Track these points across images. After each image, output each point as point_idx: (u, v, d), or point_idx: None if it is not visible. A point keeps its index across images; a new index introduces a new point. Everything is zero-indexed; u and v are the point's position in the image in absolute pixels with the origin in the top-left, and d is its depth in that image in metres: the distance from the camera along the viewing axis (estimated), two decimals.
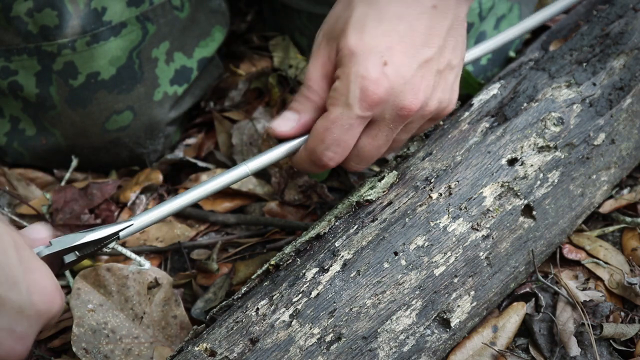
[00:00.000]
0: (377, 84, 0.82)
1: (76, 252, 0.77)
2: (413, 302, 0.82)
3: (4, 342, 0.66)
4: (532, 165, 0.92)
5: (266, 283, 0.84)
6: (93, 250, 0.79)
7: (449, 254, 0.85)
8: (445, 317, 0.84)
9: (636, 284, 0.96)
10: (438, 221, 0.86)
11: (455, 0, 0.87)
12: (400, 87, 0.83)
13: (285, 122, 0.89)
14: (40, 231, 0.75)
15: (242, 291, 0.84)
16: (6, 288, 0.64)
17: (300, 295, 0.80)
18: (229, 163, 1.24)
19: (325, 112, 0.86)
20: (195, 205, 1.18)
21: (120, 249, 1.00)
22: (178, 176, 1.24)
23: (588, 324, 0.91)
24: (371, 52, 0.83)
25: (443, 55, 0.87)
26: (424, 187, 0.88)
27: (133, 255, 1.00)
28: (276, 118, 0.90)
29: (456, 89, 0.90)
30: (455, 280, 0.85)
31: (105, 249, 0.81)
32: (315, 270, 0.82)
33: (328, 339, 0.78)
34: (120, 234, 0.80)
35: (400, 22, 0.84)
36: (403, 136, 0.91)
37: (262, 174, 1.21)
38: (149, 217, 0.82)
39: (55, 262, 0.76)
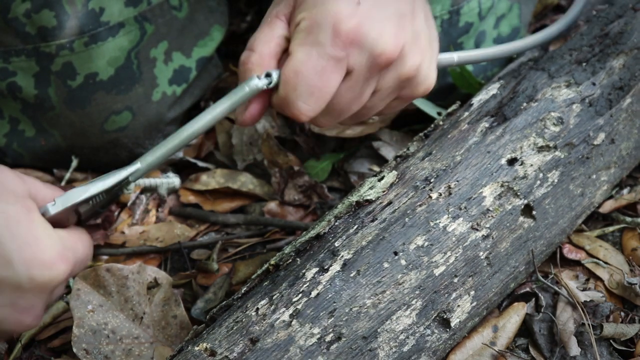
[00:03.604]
0: (350, 18, 0.75)
1: (90, 202, 0.76)
2: (413, 302, 0.82)
3: (9, 317, 0.68)
4: (531, 165, 0.92)
5: (266, 283, 0.84)
6: (109, 197, 0.77)
7: (448, 253, 0.85)
8: (445, 317, 0.84)
9: (636, 284, 0.96)
10: (438, 221, 0.86)
11: None
12: (377, 28, 0.77)
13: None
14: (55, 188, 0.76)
15: (242, 291, 0.84)
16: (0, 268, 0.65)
17: (300, 295, 0.80)
18: (229, 163, 1.24)
19: (290, 55, 0.78)
20: (195, 205, 1.18)
21: (141, 182, 0.86)
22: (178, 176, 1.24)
23: (588, 324, 0.91)
24: None
25: (415, 20, 0.81)
26: (424, 187, 0.88)
27: (158, 181, 0.87)
28: None
29: (434, 68, 0.84)
30: (455, 280, 0.85)
31: (125, 190, 0.79)
32: (315, 270, 0.82)
33: (328, 338, 0.78)
34: (130, 177, 0.78)
35: None
36: (375, 101, 0.83)
37: (262, 174, 1.21)
38: (154, 156, 0.79)
39: (69, 217, 0.76)
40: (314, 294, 0.80)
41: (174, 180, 0.87)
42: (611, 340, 0.92)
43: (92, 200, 0.77)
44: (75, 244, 0.74)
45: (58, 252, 0.69)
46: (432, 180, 0.89)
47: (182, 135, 0.79)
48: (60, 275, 0.69)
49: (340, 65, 0.77)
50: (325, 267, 0.82)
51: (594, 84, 0.99)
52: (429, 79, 0.84)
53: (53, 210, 0.74)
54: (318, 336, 0.78)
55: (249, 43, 0.81)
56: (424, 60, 0.82)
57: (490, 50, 1.01)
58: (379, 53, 0.77)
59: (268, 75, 0.78)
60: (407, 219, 0.85)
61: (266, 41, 0.80)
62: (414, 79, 0.82)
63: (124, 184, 0.78)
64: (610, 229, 1.05)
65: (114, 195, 0.79)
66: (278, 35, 0.80)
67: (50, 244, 0.69)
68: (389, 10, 0.78)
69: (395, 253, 0.83)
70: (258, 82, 0.78)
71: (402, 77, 0.81)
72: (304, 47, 0.76)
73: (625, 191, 1.08)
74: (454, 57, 0.94)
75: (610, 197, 1.07)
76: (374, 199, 0.88)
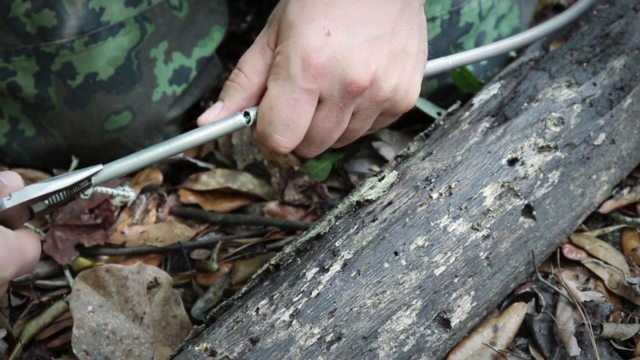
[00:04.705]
0: (319, 51, 0.76)
1: (46, 201, 0.73)
2: (413, 302, 0.82)
3: None
4: (532, 165, 0.92)
5: (266, 283, 0.84)
6: (66, 197, 0.75)
7: (449, 254, 0.85)
8: (445, 317, 0.84)
9: (636, 284, 0.96)
10: (438, 221, 0.86)
11: None
12: (347, 58, 0.77)
13: (210, 112, 0.82)
14: (12, 180, 0.73)
15: (242, 291, 0.84)
16: None
17: (300, 295, 0.80)
18: (229, 163, 1.24)
19: (266, 91, 0.79)
20: (195, 205, 1.18)
21: (98, 189, 0.85)
22: (178, 176, 1.24)
23: (588, 324, 0.91)
24: (312, 22, 0.77)
25: (396, 38, 0.80)
26: (424, 187, 0.88)
27: (114, 191, 0.87)
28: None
29: (416, 82, 0.83)
30: (456, 280, 0.85)
31: (82, 195, 0.76)
32: (315, 270, 0.82)
33: (328, 338, 0.78)
34: (93, 180, 0.76)
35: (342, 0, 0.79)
36: (358, 124, 0.84)
37: (262, 174, 1.21)
38: (120, 165, 0.78)
39: (21, 213, 0.73)
40: (314, 294, 0.80)
41: (129, 193, 0.87)
42: (611, 340, 0.92)
43: (50, 199, 0.74)
44: (24, 246, 0.72)
45: (5, 254, 0.68)
46: (432, 180, 0.89)
47: (154, 152, 0.79)
48: (6, 277, 0.69)
49: (312, 97, 0.78)
50: (326, 267, 0.82)
51: (594, 84, 0.99)
52: (409, 96, 0.83)
53: (8, 204, 0.71)
54: (318, 336, 0.78)
55: (240, 63, 0.83)
56: (401, 78, 0.82)
57: (484, 49, 0.99)
58: (349, 82, 0.78)
59: (246, 114, 0.80)
60: (407, 219, 0.85)
61: (257, 71, 0.82)
62: (392, 99, 0.82)
63: (84, 186, 0.76)
64: (610, 229, 1.05)
65: (71, 197, 0.76)
66: (267, 65, 0.82)
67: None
68: (361, 36, 0.78)
69: (396, 253, 0.83)
70: (243, 119, 0.80)
71: (379, 99, 0.81)
72: (277, 82, 0.78)
73: (625, 191, 1.08)
74: (448, 61, 0.92)
75: (611, 197, 1.07)
76: (374, 199, 0.88)
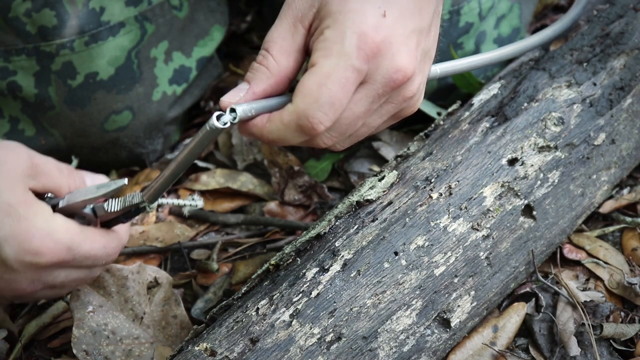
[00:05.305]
0: (376, 30, 0.73)
1: (105, 206, 0.82)
2: (413, 302, 0.82)
3: None
4: (532, 165, 0.92)
5: (266, 283, 0.84)
6: (124, 208, 0.82)
7: (449, 254, 0.85)
8: (445, 317, 0.84)
9: (636, 284, 0.96)
10: (438, 221, 0.86)
11: None
12: (398, 44, 0.74)
13: (235, 93, 0.77)
14: (94, 179, 0.84)
15: (242, 291, 0.84)
16: None
17: (300, 295, 0.80)
18: (229, 163, 1.24)
19: (313, 67, 0.75)
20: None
21: (164, 201, 0.91)
22: None
23: (588, 324, 0.91)
24: (368, 1, 0.74)
25: (428, 37, 0.79)
26: (424, 187, 0.88)
27: (181, 202, 0.91)
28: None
29: (422, 90, 0.82)
30: (456, 280, 0.85)
31: (148, 208, 0.83)
32: (315, 270, 0.82)
33: (328, 338, 0.78)
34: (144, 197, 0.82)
35: None
36: (375, 119, 0.81)
37: (262, 174, 1.21)
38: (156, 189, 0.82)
39: (85, 216, 0.82)
40: (314, 294, 0.80)
41: (197, 202, 0.90)
42: (611, 340, 0.92)
43: (108, 207, 0.82)
44: (81, 239, 0.80)
45: (50, 241, 0.77)
46: (432, 180, 0.89)
47: (170, 169, 0.80)
48: (42, 261, 0.77)
49: (359, 78, 0.75)
50: (326, 267, 0.82)
51: (594, 84, 0.99)
52: (421, 98, 0.82)
53: (61, 203, 0.81)
54: (318, 336, 0.78)
55: (266, 42, 0.78)
56: (423, 79, 0.80)
57: (473, 59, 0.97)
58: (396, 69, 0.75)
59: (232, 110, 0.76)
60: (407, 219, 0.85)
61: (286, 52, 0.77)
62: (413, 98, 0.80)
63: (148, 201, 0.82)
64: (610, 229, 1.05)
65: (135, 209, 0.83)
66: (297, 46, 0.78)
67: (40, 232, 0.76)
68: (410, 26, 0.76)
69: (396, 253, 0.83)
70: (224, 119, 0.75)
71: (406, 96, 0.79)
72: (329, 60, 0.73)
73: (625, 191, 1.08)
74: (437, 69, 0.90)
75: (611, 197, 1.07)
76: (374, 199, 0.88)
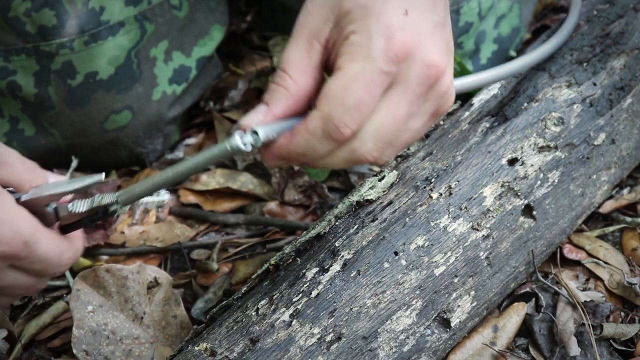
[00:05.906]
0: (402, 30, 0.71)
1: (69, 207, 0.75)
2: (413, 302, 0.82)
3: None
4: (532, 165, 0.92)
5: (266, 283, 0.84)
6: (89, 210, 0.76)
7: (449, 254, 0.85)
8: (445, 317, 0.84)
9: (636, 284, 0.96)
10: (438, 221, 0.86)
11: None
12: (426, 39, 0.72)
13: (253, 116, 0.74)
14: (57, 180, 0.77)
15: (242, 291, 0.84)
16: None
17: (300, 295, 0.80)
18: (229, 163, 1.24)
19: (339, 71, 0.72)
20: (195, 205, 1.18)
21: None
22: None
23: (588, 324, 0.91)
24: (388, 1, 0.72)
25: (446, 29, 0.77)
26: (424, 187, 0.88)
27: (147, 199, 0.85)
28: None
29: (453, 83, 0.79)
30: (456, 280, 0.85)
31: (119, 211, 0.76)
32: (315, 270, 0.82)
33: (328, 338, 0.78)
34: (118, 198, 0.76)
35: None
36: (418, 120, 0.76)
37: (262, 174, 1.21)
38: (133, 194, 0.76)
39: (43, 212, 0.75)
40: (314, 294, 0.80)
41: (163, 197, 0.83)
42: (611, 340, 0.92)
43: (72, 208, 0.75)
44: (40, 237, 0.74)
45: (9, 230, 0.72)
46: (432, 180, 0.89)
47: (163, 176, 0.75)
48: (11, 249, 0.72)
49: (387, 81, 0.72)
50: (326, 267, 0.82)
51: (594, 84, 0.99)
52: (454, 92, 0.79)
53: (24, 197, 0.74)
54: (318, 336, 0.78)
55: (282, 62, 0.76)
56: (452, 72, 0.78)
57: (485, 75, 0.93)
58: (429, 64, 0.73)
59: (254, 132, 0.72)
60: (407, 219, 0.85)
61: (304, 71, 0.75)
62: (447, 92, 0.77)
63: (121, 204, 0.76)
64: (611, 229, 1.05)
65: (103, 213, 0.77)
66: (315, 63, 0.75)
67: (8, 220, 0.72)
68: (431, 21, 0.74)
69: (396, 253, 0.83)
70: (246, 139, 0.72)
71: (442, 91, 0.76)
72: (355, 63, 0.71)
73: (625, 191, 1.08)
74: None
75: (611, 197, 1.07)
76: (374, 199, 0.88)
